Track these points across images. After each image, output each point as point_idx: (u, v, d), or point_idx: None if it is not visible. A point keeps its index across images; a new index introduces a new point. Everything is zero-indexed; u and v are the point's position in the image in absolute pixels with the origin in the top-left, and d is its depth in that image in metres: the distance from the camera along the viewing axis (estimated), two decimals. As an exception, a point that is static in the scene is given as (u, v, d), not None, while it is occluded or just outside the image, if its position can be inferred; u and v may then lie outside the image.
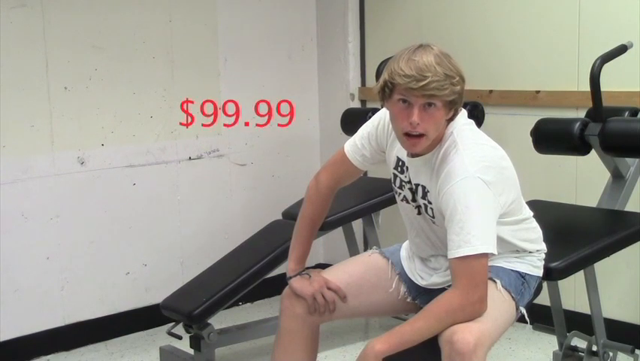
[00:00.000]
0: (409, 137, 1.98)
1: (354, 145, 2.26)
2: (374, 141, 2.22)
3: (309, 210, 2.31)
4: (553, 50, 3.45)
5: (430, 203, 2.07)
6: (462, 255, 1.91)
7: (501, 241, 2.03)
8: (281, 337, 2.23)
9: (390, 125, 2.13)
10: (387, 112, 2.16)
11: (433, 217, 2.09)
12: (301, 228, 2.31)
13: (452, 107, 1.98)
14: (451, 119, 2.02)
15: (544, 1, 3.47)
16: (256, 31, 4.07)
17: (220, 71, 3.95)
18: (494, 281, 2.07)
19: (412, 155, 2.09)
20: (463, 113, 2.08)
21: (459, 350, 1.86)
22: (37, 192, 3.40)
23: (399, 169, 2.17)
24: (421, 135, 1.97)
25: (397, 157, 2.17)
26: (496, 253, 1.97)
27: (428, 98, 1.92)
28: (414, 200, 2.14)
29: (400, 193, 2.20)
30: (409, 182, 2.13)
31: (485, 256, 1.93)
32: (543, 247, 2.23)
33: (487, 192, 1.94)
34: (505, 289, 2.08)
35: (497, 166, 2.01)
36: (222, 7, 3.93)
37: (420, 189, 2.09)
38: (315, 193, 2.30)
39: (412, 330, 1.95)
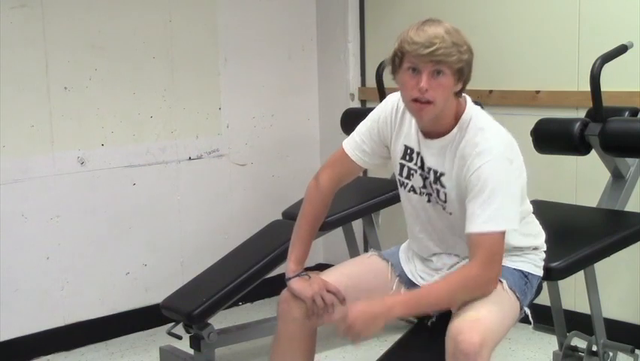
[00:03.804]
0: (417, 102, 1.99)
1: (354, 142, 2.25)
2: (376, 135, 2.22)
3: (310, 209, 2.30)
4: (553, 50, 3.45)
5: (443, 187, 2.08)
6: (486, 230, 1.94)
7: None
8: (278, 341, 2.22)
9: (395, 116, 2.16)
10: (388, 106, 2.20)
11: (445, 202, 2.09)
12: (301, 228, 2.29)
13: (460, 78, 2.00)
14: (460, 93, 2.04)
15: (544, 2, 3.47)
16: (256, 31, 4.07)
17: (220, 71, 3.95)
18: (500, 281, 2.06)
19: (429, 136, 2.08)
20: (469, 99, 2.11)
21: (463, 350, 1.86)
22: (37, 192, 3.40)
23: (407, 157, 2.16)
24: (428, 102, 1.98)
25: (405, 146, 2.16)
26: (518, 227, 2.03)
27: (436, 64, 1.94)
28: (424, 187, 2.14)
29: (407, 184, 2.18)
30: (421, 167, 2.13)
31: (504, 235, 1.97)
32: (542, 242, 2.24)
33: (513, 171, 2.01)
34: (511, 289, 2.08)
35: (516, 149, 2.06)
36: (222, 7, 3.93)
37: (432, 173, 2.10)
38: (315, 193, 2.29)
39: (428, 296, 2.01)
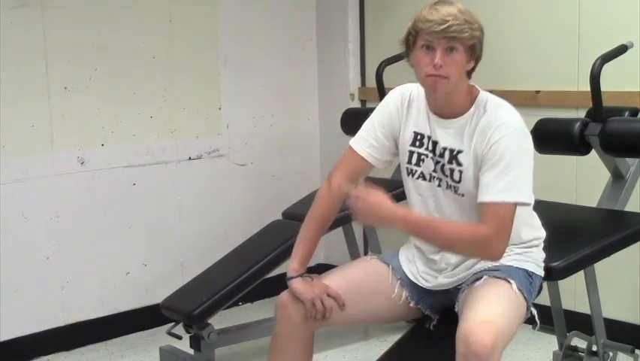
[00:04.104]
0: (432, 76, 2.03)
1: (361, 138, 2.26)
2: (383, 128, 2.23)
3: (319, 210, 2.27)
4: (553, 50, 3.45)
5: (459, 165, 2.09)
6: (500, 200, 1.98)
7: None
8: (276, 343, 2.21)
9: (402, 106, 2.19)
10: (391, 99, 2.23)
11: (459, 182, 2.10)
12: (309, 227, 2.26)
13: (473, 56, 2.05)
14: (471, 72, 2.09)
15: (544, 2, 3.47)
16: (256, 31, 4.07)
17: (220, 71, 3.95)
18: (509, 282, 2.07)
19: (444, 116, 2.12)
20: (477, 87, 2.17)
21: (475, 352, 1.85)
22: (37, 192, 3.40)
23: (417, 143, 2.18)
24: (443, 77, 2.02)
25: (414, 132, 2.18)
26: (532, 202, 2.06)
27: (450, 40, 1.99)
28: (435, 171, 2.15)
29: (415, 171, 2.19)
30: (433, 150, 2.14)
31: (516, 207, 2.00)
32: (543, 235, 2.25)
33: (530, 147, 2.06)
34: (519, 290, 2.08)
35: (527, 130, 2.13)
36: (222, 7, 3.93)
37: (448, 152, 2.11)
38: (326, 194, 2.26)
39: (433, 229, 2.05)
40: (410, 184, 2.23)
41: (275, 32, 4.15)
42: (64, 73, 3.44)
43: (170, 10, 3.75)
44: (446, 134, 2.12)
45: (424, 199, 2.20)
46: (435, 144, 2.14)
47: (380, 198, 2.02)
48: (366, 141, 2.24)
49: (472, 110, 2.10)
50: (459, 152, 2.09)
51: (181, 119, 3.82)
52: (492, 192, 1.99)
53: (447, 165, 2.11)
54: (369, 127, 2.25)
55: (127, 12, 3.60)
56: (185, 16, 3.80)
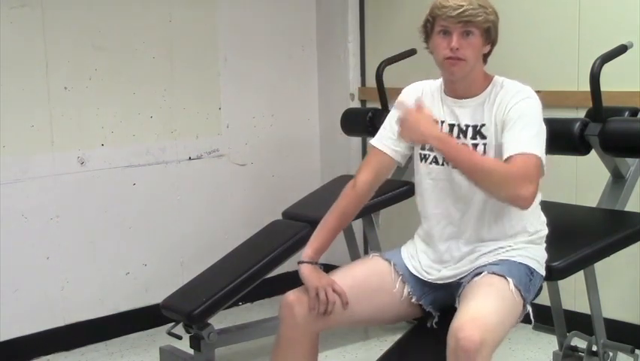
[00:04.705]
0: (450, 59, 2.11)
1: (380, 135, 2.31)
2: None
3: (342, 203, 2.30)
4: (553, 50, 3.45)
5: (483, 138, 2.15)
6: (524, 150, 2.03)
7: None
8: (280, 345, 2.22)
9: (416, 97, 2.24)
10: (404, 95, 2.29)
11: (483, 155, 2.13)
12: (330, 218, 2.30)
13: (488, 39, 2.15)
14: (487, 55, 2.19)
15: (544, 2, 3.47)
16: (256, 31, 4.07)
17: (220, 71, 3.95)
18: (506, 280, 2.07)
19: (464, 97, 2.18)
20: None
21: (463, 347, 1.86)
22: (37, 192, 3.40)
23: None
24: (460, 59, 2.11)
25: None
26: (544, 162, 2.09)
27: (465, 24, 2.09)
28: None
29: (429, 156, 2.23)
30: (450, 132, 2.19)
31: (540, 162, 2.05)
32: (547, 230, 2.27)
33: (542, 122, 2.13)
34: (517, 287, 2.08)
35: None
36: (222, 7, 3.94)
37: (471, 129, 2.17)
38: (350, 190, 2.30)
39: (465, 153, 2.08)
40: (423, 170, 2.26)
41: (275, 32, 4.15)
42: (64, 73, 3.44)
43: (170, 10, 3.75)
44: (466, 113, 2.18)
45: (435, 183, 2.23)
46: (451, 126, 2.19)
47: (426, 116, 2.13)
48: (384, 136, 2.29)
49: (489, 88, 2.18)
50: (482, 125, 2.15)
51: (181, 119, 3.82)
52: (517, 145, 2.04)
53: (469, 142, 2.16)
54: (387, 123, 2.30)
55: (127, 12, 3.61)
56: (185, 16, 3.80)
